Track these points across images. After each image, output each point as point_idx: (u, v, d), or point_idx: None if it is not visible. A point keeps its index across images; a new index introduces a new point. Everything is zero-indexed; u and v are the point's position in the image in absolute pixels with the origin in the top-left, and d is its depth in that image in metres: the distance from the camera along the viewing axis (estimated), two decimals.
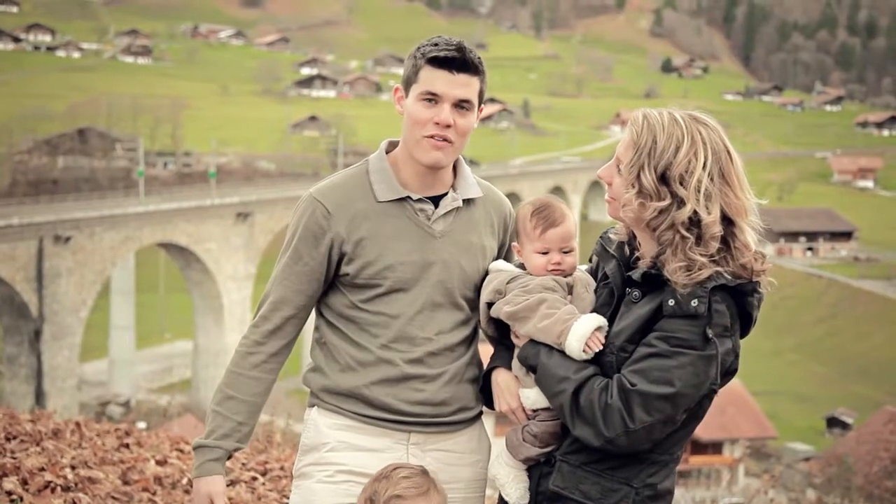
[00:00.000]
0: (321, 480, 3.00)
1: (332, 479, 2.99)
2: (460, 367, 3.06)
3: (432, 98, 2.91)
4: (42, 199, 70.12)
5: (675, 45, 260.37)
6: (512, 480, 2.94)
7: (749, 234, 2.76)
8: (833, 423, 67.28)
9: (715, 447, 51.55)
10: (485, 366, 3.14)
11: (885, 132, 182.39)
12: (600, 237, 3.03)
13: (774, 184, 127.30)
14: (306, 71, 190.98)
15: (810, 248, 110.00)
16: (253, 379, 3.05)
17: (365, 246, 2.98)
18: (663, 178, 2.72)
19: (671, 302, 2.68)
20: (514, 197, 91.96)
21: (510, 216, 3.20)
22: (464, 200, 3.08)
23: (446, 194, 3.07)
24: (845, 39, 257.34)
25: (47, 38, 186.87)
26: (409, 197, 3.01)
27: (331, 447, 3.01)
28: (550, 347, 2.82)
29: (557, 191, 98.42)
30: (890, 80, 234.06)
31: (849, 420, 65.57)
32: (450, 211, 3.05)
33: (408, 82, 2.96)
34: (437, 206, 3.04)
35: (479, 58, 2.96)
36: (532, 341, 2.88)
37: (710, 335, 2.67)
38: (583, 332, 2.78)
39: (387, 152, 3.10)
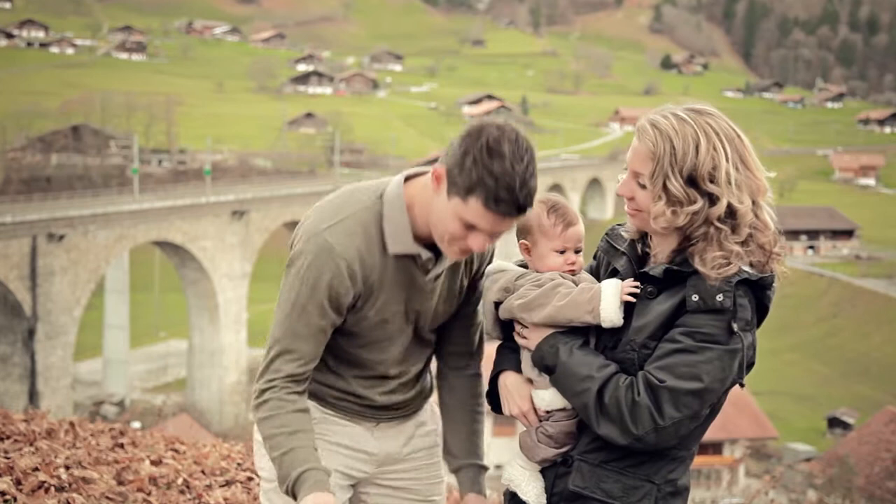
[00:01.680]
0: None
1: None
2: (424, 376, 3.19)
3: (472, 227, 2.76)
4: (35, 197, 69.84)
5: (674, 42, 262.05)
6: (528, 482, 2.93)
7: (767, 212, 2.77)
8: (834, 423, 67.28)
9: (715, 447, 51.38)
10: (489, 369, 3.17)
11: (887, 129, 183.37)
12: (606, 234, 3.04)
13: (775, 182, 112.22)
14: (302, 67, 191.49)
15: (811, 247, 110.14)
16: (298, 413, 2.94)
17: (367, 299, 2.91)
18: (691, 181, 2.71)
19: (695, 297, 2.69)
20: None
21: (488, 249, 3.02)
22: None
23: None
24: (847, 36, 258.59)
25: (41, 35, 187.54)
26: (418, 255, 2.92)
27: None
28: (571, 346, 2.80)
29: (556, 188, 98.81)
30: (892, 77, 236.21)
31: (850, 420, 65.47)
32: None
33: (454, 183, 2.71)
34: (437, 254, 2.94)
35: (532, 201, 2.75)
36: (547, 340, 2.84)
37: (735, 329, 2.68)
38: (614, 288, 2.79)
39: (406, 179, 2.93)
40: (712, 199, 2.69)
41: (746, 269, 2.71)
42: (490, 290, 3.00)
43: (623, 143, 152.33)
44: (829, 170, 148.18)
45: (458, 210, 2.72)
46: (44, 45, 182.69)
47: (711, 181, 2.68)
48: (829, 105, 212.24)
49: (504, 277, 2.98)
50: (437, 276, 2.98)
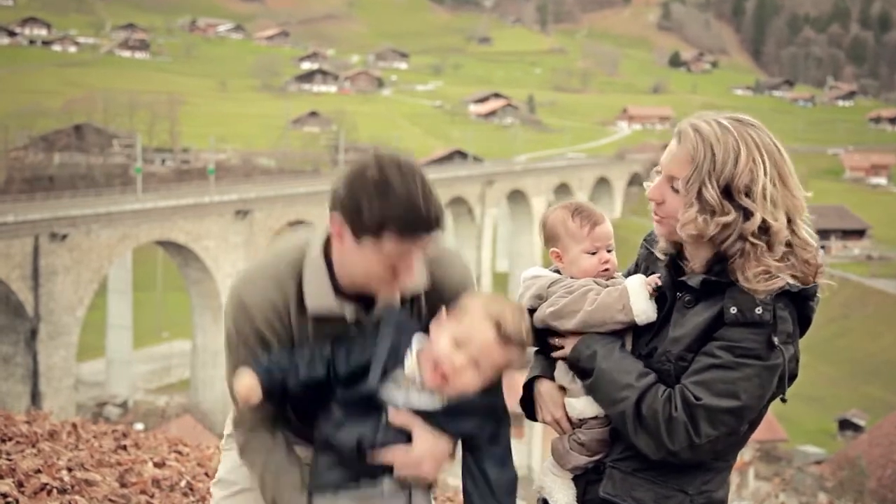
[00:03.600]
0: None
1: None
2: None
3: (390, 264, 2.70)
4: (38, 197, 69.76)
5: (683, 39, 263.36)
6: (560, 489, 2.93)
7: (806, 230, 2.76)
8: (845, 425, 67.26)
9: None
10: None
11: None
12: (645, 240, 3.02)
13: None
14: (306, 66, 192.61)
15: (822, 247, 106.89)
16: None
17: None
18: (726, 192, 2.69)
19: (733, 310, 2.67)
20: (518, 194, 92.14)
21: (457, 289, 2.90)
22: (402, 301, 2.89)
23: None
24: (858, 33, 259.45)
25: (43, 33, 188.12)
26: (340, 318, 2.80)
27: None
28: (609, 351, 2.79)
29: (563, 188, 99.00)
30: None
31: (861, 422, 65.41)
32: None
33: (360, 226, 2.64)
34: (368, 308, 2.83)
35: (443, 213, 2.71)
36: (583, 340, 2.83)
37: (776, 343, 2.67)
38: (639, 283, 2.81)
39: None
40: (746, 214, 2.66)
41: (789, 280, 2.67)
42: (523, 297, 2.97)
43: (631, 141, 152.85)
44: (840, 169, 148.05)
45: (374, 250, 2.65)
46: (46, 43, 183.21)
47: (747, 195, 2.65)
48: (840, 103, 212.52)
49: (537, 284, 2.96)
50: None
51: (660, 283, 2.80)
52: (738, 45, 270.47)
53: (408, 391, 2.71)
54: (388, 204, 2.58)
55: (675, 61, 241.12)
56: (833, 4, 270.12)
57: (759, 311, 2.63)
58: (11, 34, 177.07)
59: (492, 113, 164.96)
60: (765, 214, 2.65)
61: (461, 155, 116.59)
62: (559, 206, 3.05)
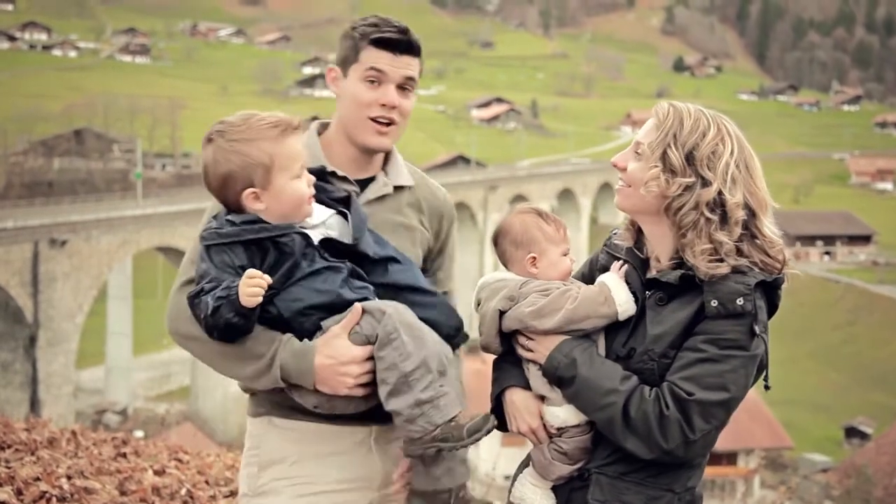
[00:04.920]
0: (293, 497, 2.95)
1: (300, 494, 2.95)
2: None
3: (376, 79, 2.94)
4: (37, 202, 70.22)
5: (687, 44, 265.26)
6: (540, 499, 2.94)
7: (770, 230, 2.82)
8: (851, 432, 67.30)
9: (729, 458, 51.38)
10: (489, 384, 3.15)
11: None
12: (605, 245, 3.08)
13: (790, 186, 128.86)
14: (308, 70, 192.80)
15: (827, 253, 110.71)
16: None
17: None
18: (689, 158, 2.77)
19: (714, 303, 2.71)
20: (521, 200, 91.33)
21: (446, 207, 3.21)
22: (395, 187, 3.08)
23: (374, 178, 3.07)
24: (863, 37, 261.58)
25: (43, 37, 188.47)
26: (332, 172, 2.99)
27: (294, 460, 2.95)
28: (588, 357, 2.82)
29: (567, 193, 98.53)
30: None
31: (867, 430, 65.45)
32: (379, 197, 3.05)
33: (345, 62, 2.99)
34: (363, 189, 3.04)
35: (419, 39, 3.01)
36: (559, 349, 2.84)
37: (758, 332, 2.72)
38: (615, 277, 2.87)
39: (318, 134, 3.11)
40: (704, 182, 2.72)
41: (755, 269, 2.74)
42: (493, 299, 2.95)
43: None
44: (846, 174, 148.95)
45: (358, 73, 2.93)
46: (46, 47, 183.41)
47: (708, 166, 2.73)
48: (846, 108, 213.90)
49: (508, 286, 2.95)
50: (367, 208, 2.99)
51: (626, 271, 2.85)
52: (743, 49, 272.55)
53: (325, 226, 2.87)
54: (365, 27, 2.93)
55: (679, 66, 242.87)
56: (838, 8, 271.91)
57: (740, 301, 2.66)
58: (11, 38, 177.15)
59: (495, 118, 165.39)
60: (722, 187, 2.70)
61: (464, 160, 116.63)
62: (520, 213, 3.05)
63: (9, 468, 4.90)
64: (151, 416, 51.38)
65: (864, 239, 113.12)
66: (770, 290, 2.76)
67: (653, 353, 2.75)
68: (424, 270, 3.07)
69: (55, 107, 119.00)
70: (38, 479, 4.79)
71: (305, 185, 2.83)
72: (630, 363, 2.77)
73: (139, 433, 20.46)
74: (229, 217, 2.85)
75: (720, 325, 2.67)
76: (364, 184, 3.01)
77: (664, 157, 2.74)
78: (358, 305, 2.77)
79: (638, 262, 2.90)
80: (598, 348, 2.83)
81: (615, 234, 3.03)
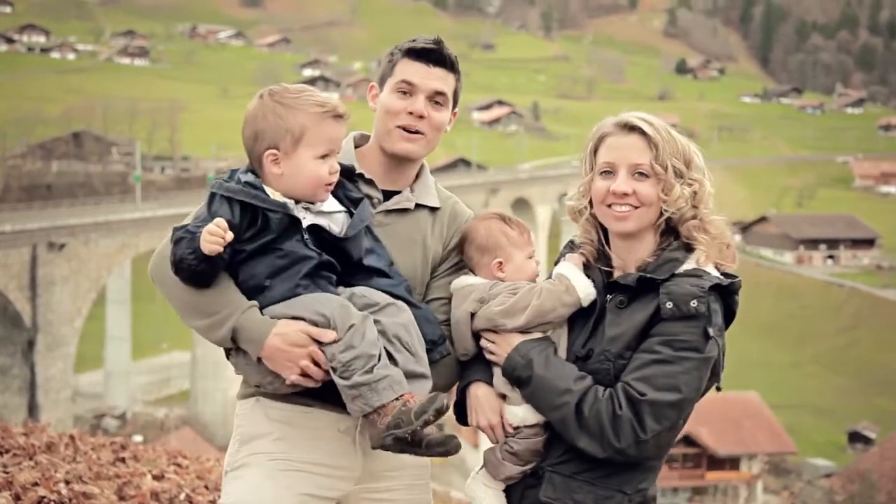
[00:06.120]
0: (270, 471, 2.99)
1: (278, 469, 2.99)
2: None
3: (407, 90, 3.09)
4: (36, 205, 70.46)
5: (689, 46, 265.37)
6: (490, 499, 3.01)
7: (714, 217, 2.95)
8: (855, 437, 67.59)
9: (732, 462, 51.56)
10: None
11: None
12: (567, 247, 3.14)
13: (794, 189, 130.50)
14: (308, 73, 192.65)
15: (831, 256, 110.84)
16: None
17: None
18: (688, 164, 2.93)
19: (669, 304, 2.79)
20: (523, 202, 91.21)
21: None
22: (417, 205, 3.19)
23: (401, 192, 3.19)
24: (867, 39, 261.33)
25: (41, 40, 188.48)
26: (360, 174, 3.11)
27: (276, 437, 3.02)
28: (544, 358, 2.89)
29: (566, 197, 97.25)
30: None
31: (871, 435, 65.73)
32: (399, 210, 3.16)
33: (383, 78, 3.16)
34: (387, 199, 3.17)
35: (455, 56, 3.16)
36: (517, 350, 2.91)
37: (712, 334, 2.80)
38: (571, 266, 2.97)
39: (356, 147, 3.24)
40: (693, 181, 2.89)
41: (717, 274, 2.85)
42: (464, 302, 3.03)
43: None
44: (850, 177, 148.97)
45: (391, 85, 3.11)
46: (45, 50, 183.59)
47: (695, 167, 2.92)
48: (849, 111, 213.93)
49: (477, 290, 3.04)
50: (385, 217, 3.12)
51: (585, 258, 2.96)
52: (746, 51, 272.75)
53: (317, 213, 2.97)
54: (403, 44, 3.14)
55: (682, 68, 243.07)
56: (841, 11, 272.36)
57: (694, 303, 2.74)
58: (10, 41, 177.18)
59: (496, 120, 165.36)
60: (704, 183, 2.90)
61: (465, 163, 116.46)
62: (483, 218, 3.14)
63: (7, 473, 4.90)
64: (150, 420, 52.00)
65: (868, 242, 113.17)
66: (727, 296, 2.81)
67: (609, 353, 2.81)
68: (432, 277, 3.16)
69: (53, 109, 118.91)
70: (36, 484, 4.81)
71: (327, 171, 2.93)
72: (588, 364, 2.84)
73: (138, 438, 20.16)
74: (240, 175, 2.97)
75: (675, 327, 2.74)
76: (390, 195, 3.13)
77: (675, 171, 2.84)
78: (332, 334, 2.81)
79: (600, 272, 2.97)
80: (559, 349, 2.89)
81: (577, 235, 3.07)
